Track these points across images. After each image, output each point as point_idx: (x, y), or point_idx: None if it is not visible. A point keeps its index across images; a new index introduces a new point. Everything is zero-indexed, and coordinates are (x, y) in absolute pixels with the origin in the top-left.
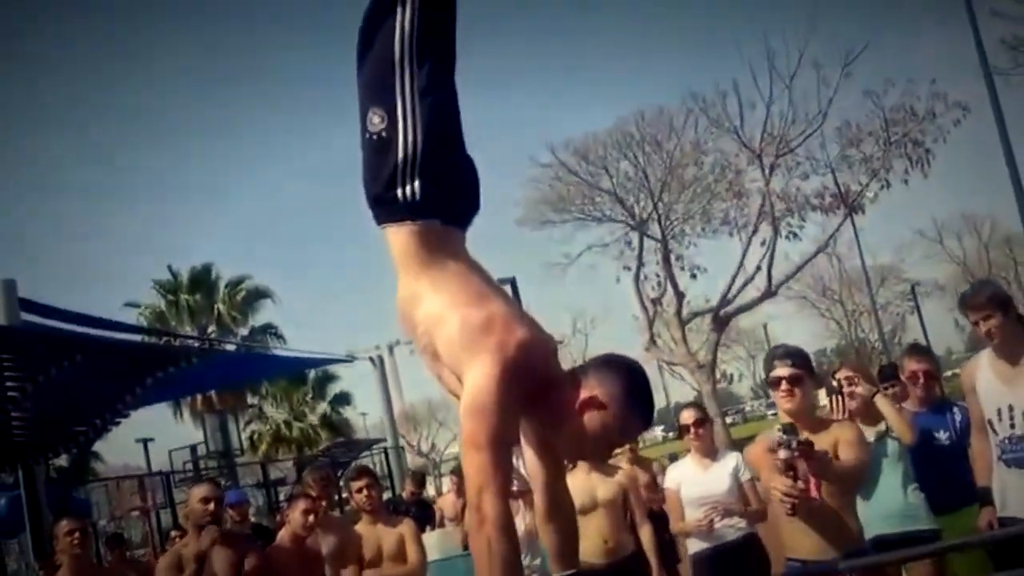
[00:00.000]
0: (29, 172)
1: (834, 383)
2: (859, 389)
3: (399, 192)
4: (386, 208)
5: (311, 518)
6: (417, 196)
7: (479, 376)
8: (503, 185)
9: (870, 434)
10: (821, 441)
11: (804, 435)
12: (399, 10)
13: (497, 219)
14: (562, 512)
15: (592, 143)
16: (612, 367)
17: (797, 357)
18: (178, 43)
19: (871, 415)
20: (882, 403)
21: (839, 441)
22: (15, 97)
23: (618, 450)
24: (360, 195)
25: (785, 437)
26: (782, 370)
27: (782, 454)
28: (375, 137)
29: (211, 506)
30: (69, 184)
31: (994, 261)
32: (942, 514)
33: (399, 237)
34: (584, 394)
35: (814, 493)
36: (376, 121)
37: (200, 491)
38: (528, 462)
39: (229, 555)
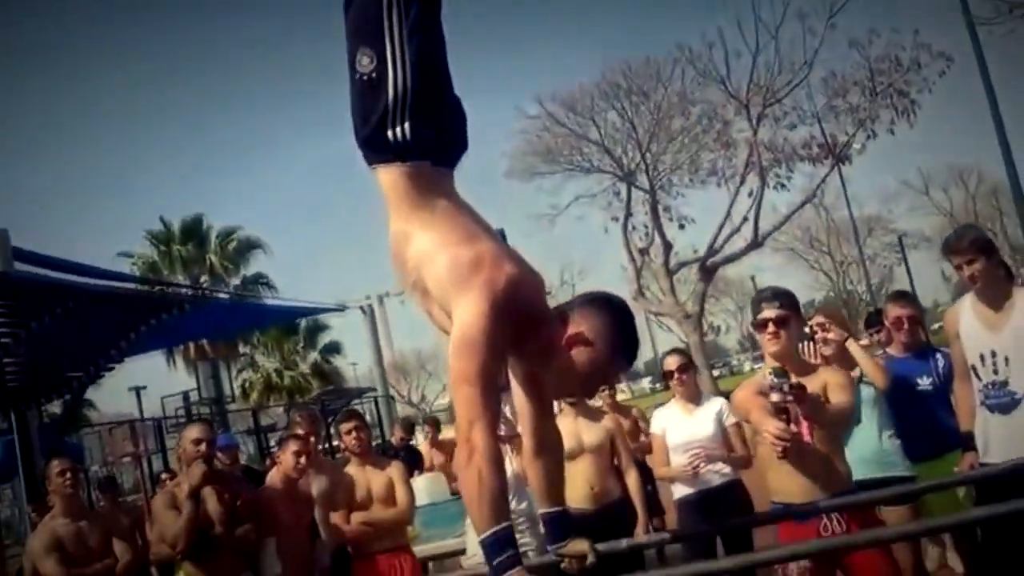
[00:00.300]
0: (25, 120)
1: (807, 330)
2: (831, 335)
3: (389, 133)
4: (376, 149)
5: (302, 459)
6: (407, 137)
7: (468, 311)
8: (491, 137)
9: None
10: (809, 384)
11: (795, 379)
12: None
13: (485, 171)
14: (550, 451)
15: (579, 94)
16: (598, 304)
17: (784, 298)
18: None
19: (844, 361)
20: (854, 348)
21: (828, 384)
22: (10, 39)
23: (598, 398)
24: (353, 144)
25: (777, 380)
26: (769, 312)
27: (774, 397)
28: (365, 78)
29: (202, 447)
30: (65, 133)
31: (980, 212)
32: (925, 459)
33: (389, 178)
34: (571, 330)
35: (806, 437)
36: (365, 62)
37: (192, 432)
38: (516, 401)
39: (221, 494)
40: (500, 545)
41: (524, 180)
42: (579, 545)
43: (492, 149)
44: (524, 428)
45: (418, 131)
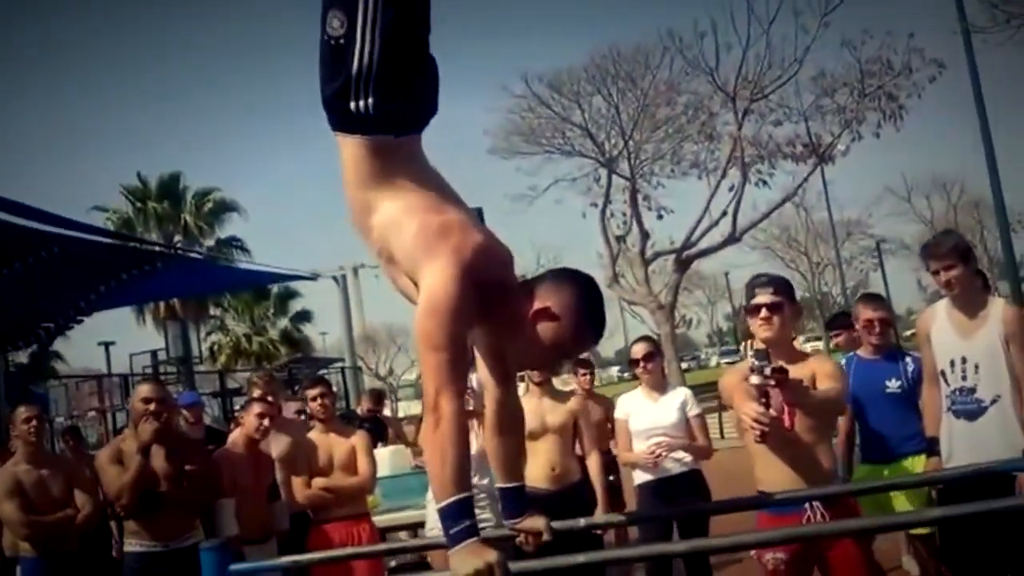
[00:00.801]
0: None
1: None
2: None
3: (351, 104)
4: (337, 117)
5: (265, 421)
6: (370, 111)
7: (436, 278)
8: (475, 113)
9: None
10: (797, 372)
11: (779, 363)
12: None
13: (467, 146)
14: (511, 426)
15: (566, 76)
16: (566, 279)
17: (779, 284)
18: None
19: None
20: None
21: (816, 373)
22: None
23: (572, 386)
24: None
25: (758, 363)
26: (763, 297)
27: (754, 379)
28: (332, 41)
29: (152, 405)
30: (46, 82)
31: (961, 223)
32: (890, 461)
33: (349, 147)
34: (538, 304)
35: (787, 423)
36: (336, 25)
37: (143, 390)
38: (480, 374)
39: (170, 452)
40: (459, 514)
41: (506, 158)
42: (535, 521)
43: (475, 125)
44: (487, 402)
45: (382, 105)
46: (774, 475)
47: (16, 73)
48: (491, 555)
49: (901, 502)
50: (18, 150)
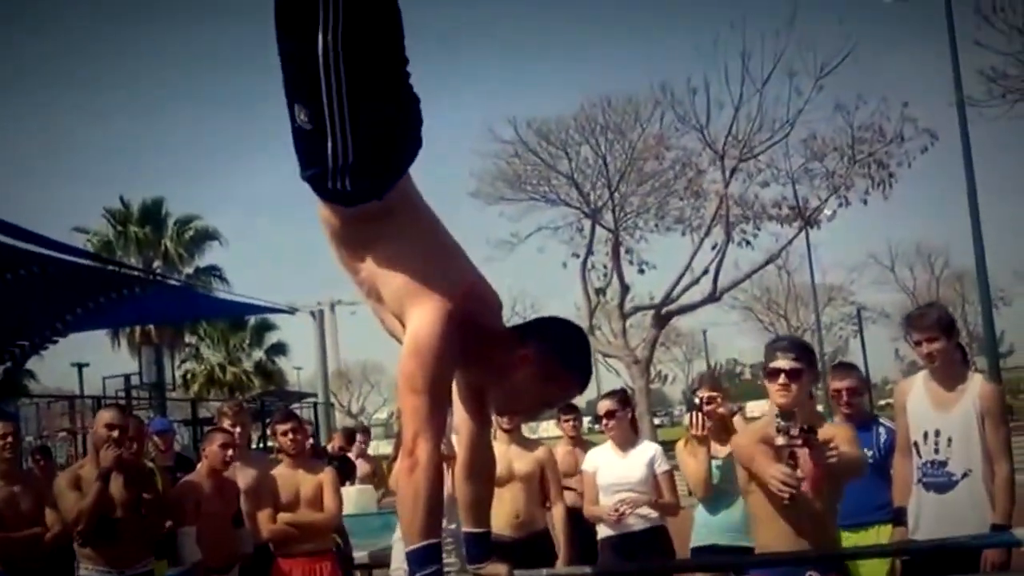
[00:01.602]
0: None
1: (695, 400)
2: (721, 409)
3: (329, 184)
4: (317, 190)
5: (229, 452)
6: (349, 189)
7: (422, 321)
8: (461, 155)
9: (721, 452)
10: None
11: (806, 424)
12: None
13: (451, 187)
14: (482, 471)
15: (555, 125)
16: (554, 327)
17: (800, 350)
18: None
19: (726, 432)
20: (740, 426)
21: (835, 438)
22: None
23: (560, 432)
24: None
25: (784, 423)
26: (783, 362)
27: (780, 440)
28: (302, 130)
29: (115, 432)
30: (24, 102)
31: (943, 296)
32: (857, 528)
33: (330, 211)
34: (523, 351)
35: (806, 487)
36: (303, 118)
37: (106, 416)
38: (456, 416)
39: (128, 481)
40: (427, 559)
41: (489, 203)
42: (498, 568)
43: (461, 167)
44: (460, 444)
45: (361, 184)
46: (781, 540)
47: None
48: None
49: (868, 570)
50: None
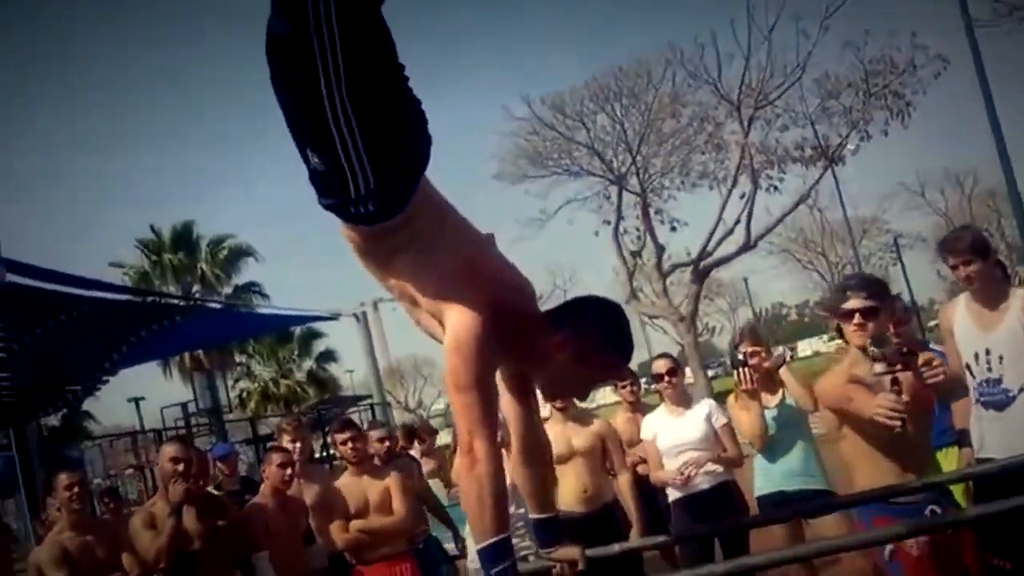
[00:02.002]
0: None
1: (739, 356)
2: (767, 364)
3: (353, 211)
4: (339, 215)
5: (288, 470)
6: (373, 211)
7: (460, 317)
8: (479, 139)
9: (771, 401)
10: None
11: (903, 346)
12: (315, 40)
13: (473, 173)
14: (538, 456)
15: (569, 96)
16: (591, 307)
17: (873, 287)
18: None
19: (774, 383)
20: (786, 375)
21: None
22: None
23: (620, 395)
24: None
25: (879, 350)
26: (855, 301)
27: (879, 368)
28: (318, 171)
29: (180, 466)
30: (53, 141)
31: (976, 213)
32: None
33: (351, 229)
34: (561, 336)
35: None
36: (317, 161)
37: (169, 450)
38: (504, 406)
39: (201, 512)
40: (498, 555)
41: (513, 183)
42: (570, 551)
43: (481, 151)
44: (513, 433)
45: (384, 203)
46: (884, 478)
47: (22, 142)
48: None
49: None
50: (29, 212)
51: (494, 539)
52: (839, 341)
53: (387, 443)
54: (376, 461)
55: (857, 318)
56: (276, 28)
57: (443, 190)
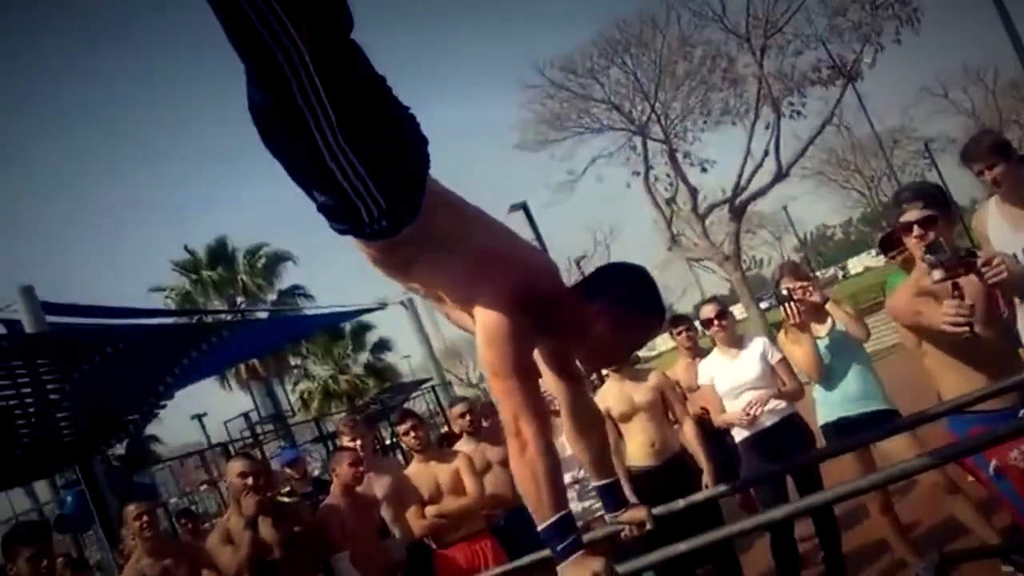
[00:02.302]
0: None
1: (784, 291)
2: (815, 298)
3: (367, 231)
4: (355, 237)
5: (358, 468)
6: (386, 225)
7: (488, 307)
8: (497, 113)
9: (821, 331)
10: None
11: (962, 249)
12: (299, 99)
13: (496, 148)
14: (590, 425)
15: (578, 55)
16: (614, 274)
17: (929, 196)
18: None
19: (820, 314)
20: (833, 309)
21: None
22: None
23: (677, 342)
24: None
25: (935, 256)
26: (912, 213)
27: (937, 275)
28: (327, 206)
29: (249, 479)
30: (77, 173)
31: (1003, 107)
32: None
33: (364, 244)
34: (592, 308)
35: (1000, 308)
36: (323, 199)
37: (236, 466)
38: (548, 384)
39: (276, 521)
40: (562, 532)
41: (536, 149)
42: (636, 513)
43: (500, 124)
44: (562, 408)
45: (397, 216)
46: (969, 386)
47: (44, 176)
48: (597, 564)
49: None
50: (63, 248)
51: (554, 518)
52: (884, 258)
53: (469, 416)
54: (467, 434)
55: (916, 230)
56: (258, 98)
57: (470, 171)
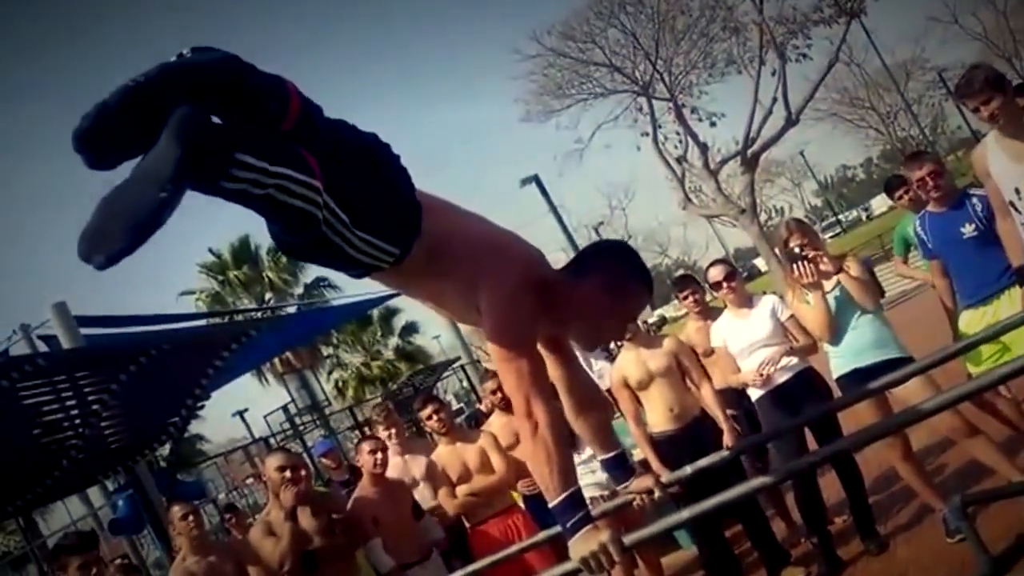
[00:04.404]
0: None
1: (796, 250)
2: (826, 267)
3: (384, 268)
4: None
5: (379, 456)
6: (399, 253)
7: (492, 296)
8: (498, 89)
9: (828, 284)
10: None
11: None
12: (329, 232)
13: (501, 124)
14: (589, 403)
15: (574, 21)
16: (598, 252)
17: (985, 82)
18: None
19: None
20: (847, 281)
21: None
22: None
23: (685, 306)
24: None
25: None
26: (973, 101)
27: None
28: (352, 272)
29: (288, 472)
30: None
31: (1016, 28)
32: (988, 300)
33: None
34: (585, 286)
35: None
36: (352, 273)
37: (274, 461)
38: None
39: (314, 511)
40: (571, 508)
41: (542, 121)
42: (644, 481)
43: (503, 100)
44: (561, 389)
45: (402, 243)
46: None
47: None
48: (604, 535)
49: (1018, 336)
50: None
51: (566, 493)
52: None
53: (501, 393)
54: (498, 409)
55: (983, 112)
56: (294, 240)
57: (478, 147)
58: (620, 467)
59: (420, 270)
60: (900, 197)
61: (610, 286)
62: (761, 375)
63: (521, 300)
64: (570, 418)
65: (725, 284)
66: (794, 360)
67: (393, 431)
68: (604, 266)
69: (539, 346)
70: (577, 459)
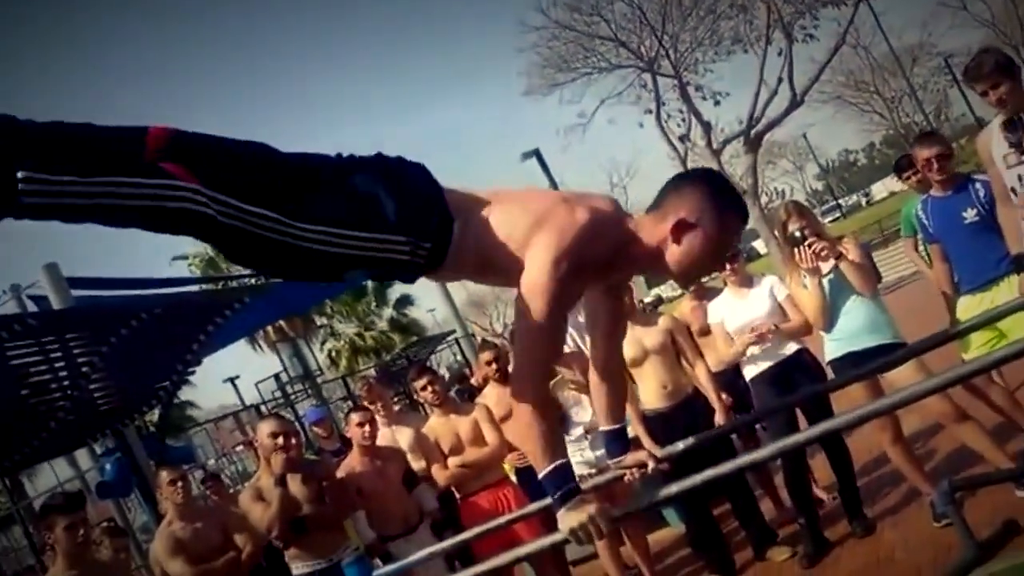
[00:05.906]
0: None
1: (797, 234)
2: (826, 253)
3: (423, 268)
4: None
5: (367, 428)
6: (430, 247)
7: (539, 257)
8: (502, 61)
9: (824, 267)
10: None
11: None
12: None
13: (503, 98)
14: (615, 372)
15: None
16: (684, 183)
17: (993, 68)
18: None
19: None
20: (847, 269)
21: None
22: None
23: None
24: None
25: (1012, 135)
26: (981, 85)
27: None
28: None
29: (280, 439)
30: None
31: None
32: (987, 287)
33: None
34: (671, 222)
35: None
36: (403, 278)
37: (267, 427)
38: (589, 321)
39: (305, 478)
40: (560, 479)
41: (545, 94)
42: (637, 456)
43: (507, 72)
44: (594, 350)
45: (442, 241)
46: None
47: None
48: (592, 507)
49: (1016, 323)
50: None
51: (554, 464)
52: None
53: (496, 364)
54: (493, 381)
55: (991, 98)
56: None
57: (479, 121)
58: (618, 441)
59: (471, 260)
60: (908, 177)
61: (696, 219)
62: (753, 330)
63: (562, 278)
64: (593, 381)
65: (728, 265)
66: (791, 344)
67: (379, 404)
68: (687, 197)
69: (596, 297)
70: (566, 439)
